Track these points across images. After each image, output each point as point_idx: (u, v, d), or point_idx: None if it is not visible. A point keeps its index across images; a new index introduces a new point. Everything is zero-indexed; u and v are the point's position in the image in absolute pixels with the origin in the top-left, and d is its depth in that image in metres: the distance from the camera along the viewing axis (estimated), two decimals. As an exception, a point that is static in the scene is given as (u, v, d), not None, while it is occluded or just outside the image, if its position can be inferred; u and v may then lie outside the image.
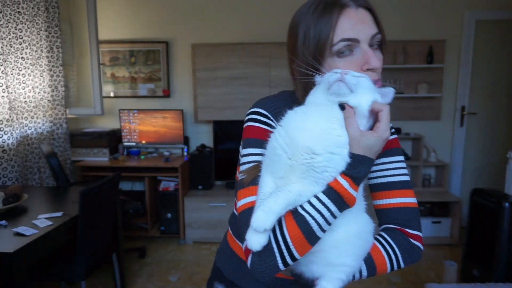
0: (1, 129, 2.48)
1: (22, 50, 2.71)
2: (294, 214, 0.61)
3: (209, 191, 3.45)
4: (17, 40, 2.67)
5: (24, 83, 2.74)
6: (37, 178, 2.84)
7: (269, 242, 0.61)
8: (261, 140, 0.71)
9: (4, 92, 2.47)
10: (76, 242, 1.94)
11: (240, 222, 0.68)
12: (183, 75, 3.69)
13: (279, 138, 0.63)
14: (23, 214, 1.90)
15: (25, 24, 2.71)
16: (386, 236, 0.73)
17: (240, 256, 0.87)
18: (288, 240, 0.61)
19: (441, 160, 3.59)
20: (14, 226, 1.71)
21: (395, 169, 0.77)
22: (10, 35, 2.62)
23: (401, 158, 0.79)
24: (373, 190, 0.78)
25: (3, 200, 1.90)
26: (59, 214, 1.88)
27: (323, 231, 0.62)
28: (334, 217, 0.61)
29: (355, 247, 0.67)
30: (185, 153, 3.64)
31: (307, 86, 0.69)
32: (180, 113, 3.50)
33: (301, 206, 0.61)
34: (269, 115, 0.74)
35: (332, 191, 0.60)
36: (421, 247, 0.74)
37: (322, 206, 0.60)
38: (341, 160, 0.60)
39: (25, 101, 2.75)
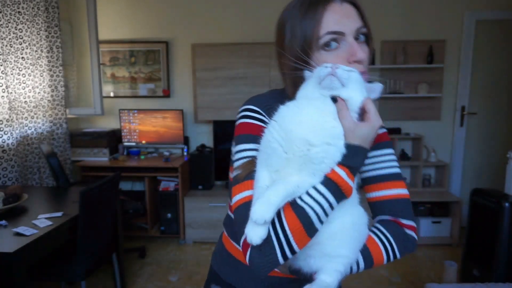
0: (1, 129, 2.48)
1: (22, 50, 2.71)
2: (293, 206, 0.61)
3: (209, 191, 3.45)
4: (17, 40, 2.67)
5: (24, 83, 2.74)
6: (37, 178, 2.84)
7: (268, 235, 0.61)
8: (255, 135, 0.71)
9: (4, 92, 2.47)
10: (76, 242, 1.94)
11: (237, 217, 0.68)
12: (183, 75, 3.69)
13: (274, 132, 0.64)
14: (23, 214, 1.90)
15: (25, 24, 2.71)
16: (381, 227, 0.74)
17: (236, 257, 0.86)
18: (288, 232, 0.61)
19: (441, 160, 3.59)
20: (14, 226, 1.71)
21: (386, 161, 0.78)
22: (10, 35, 2.62)
23: (391, 151, 0.80)
24: (366, 183, 0.79)
25: (3, 200, 1.90)
26: (59, 214, 1.88)
27: (321, 222, 0.62)
28: (332, 208, 0.62)
29: (351, 238, 0.68)
30: (185, 153, 3.64)
31: (297, 81, 0.70)
32: (180, 113, 3.50)
33: (300, 198, 0.61)
34: (262, 112, 0.74)
35: (330, 182, 0.61)
36: (415, 237, 0.75)
37: (321, 197, 0.61)
38: (337, 151, 0.61)
39: (25, 101, 2.76)
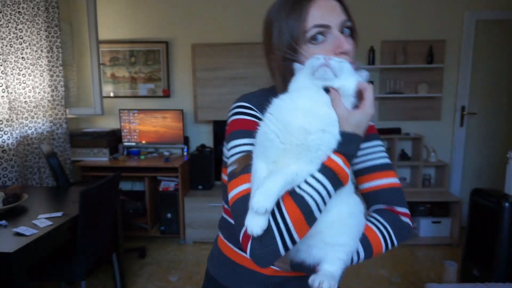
0: (1, 129, 2.48)
1: (22, 50, 2.71)
2: (292, 194, 0.62)
3: (209, 191, 3.45)
4: (17, 40, 2.67)
5: (24, 83, 2.74)
6: (37, 178, 2.84)
7: (269, 225, 0.61)
8: (249, 130, 0.71)
9: (4, 92, 2.47)
10: (76, 242, 1.94)
11: (235, 211, 0.67)
12: (183, 75, 3.69)
13: (270, 124, 0.65)
14: (23, 214, 1.90)
15: (25, 24, 2.71)
16: (377, 216, 0.75)
17: (234, 260, 0.86)
18: (288, 221, 0.61)
19: (441, 160, 3.59)
20: (14, 226, 1.71)
21: (376, 152, 0.81)
22: (10, 35, 2.62)
23: (380, 142, 0.83)
24: (358, 175, 0.80)
25: (3, 200, 1.90)
26: (59, 214, 1.88)
27: (320, 211, 0.63)
28: (330, 196, 0.63)
29: (350, 226, 0.69)
30: (185, 153, 3.64)
31: (286, 76, 0.72)
32: (180, 113, 3.50)
33: (298, 187, 0.62)
34: (254, 108, 0.75)
35: (327, 169, 0.62)
36: (411, 223, 0.77)
37: (319, 185, 0.62)
38: (333, 138, 0.63)
39: (25, 101, 2.76)
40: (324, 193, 0.62)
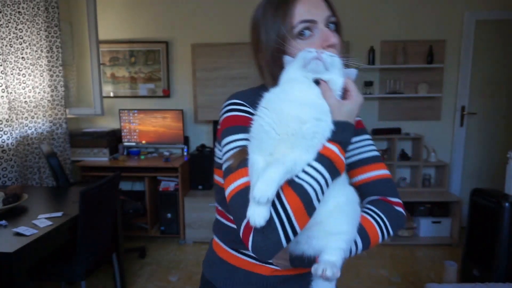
0: (1, 129, 2.48)
1: (22, 50, 2.71)
2: (291, 184, 0.62)
3: (209, 191, 3.45)
4: (17, 40, 2.67)
5: (24, 83, 2.74)
6: (37, 178, 2.84)
7: (270, 216, 0.61)
8: (243, 126, 0.72)
9: (3, 92, 2.47)
10: (76, 242, 1.94)
11: (234, 205, 0.67)
12: (183, 75, 3.69)
13: (265, 117, 0.66)
14: (23, 214, 1.90)
15: (25, 24, 2.71)
16: (371, 207, 0.77)
17: (230, 262, 0.85)
18: (289, 211, 0.62)
19: (441, 160, 3.59)
20: (14, 226, 1.71)
21: (365, 146, 0.83)
22: (10, 35, 2.62)
23: (368, 136, 0.85)
24: (350, 169, 0.81)
25: (3, 200, 1.90)
26: (59, 214, 1.88)
27: (319, 201, 0.64)
28: (327, 185, 0.64)
29: (348, 215, 0.70)
30: (185, 153, 3.64)
31: (275, 73, 0.74)
32: (180, 113, 3.50)
33: (297, 176, 0.63)
34: (246, 104, 0.76)
35: (324, 158, 0.64)
36: (404, 212, 0.79)
37: (317, 173, 0.63)
38: (327, 126, 0.65)
39: (25, 101, 2.76)
40: (322, 181, 0.63)
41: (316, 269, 0.65)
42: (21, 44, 2.70)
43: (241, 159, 0.68)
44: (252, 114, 0.72)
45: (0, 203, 1.88)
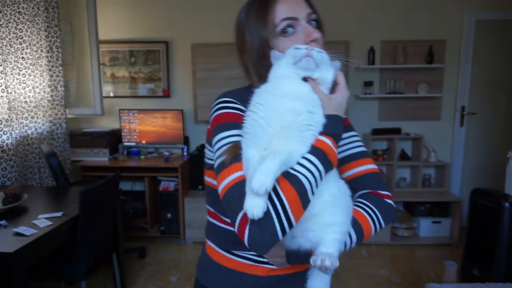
0: (1, 129, 2.48)
1: (22, 50, 2.71)
2: (287, 176, 0.63)
3: (209, 191, 3.44)
4: (17, 40, 2.67)
5: (24, 83, 2.74)
6: (37, 178, 2.84)
7: (266, 209, 0.61)
8: (235, 122, 0.72)
9: (3, 92, 2.47)
10: (76, 242, 1.94)
11: (229, 199, 0.66)
12: (183, 75, 3.69)
13: (258, 112, 0.67)
14: (23, 214, 1.90)
15: (25, 24, 2.71)
16: (363, 200, 0.78)
17: (225, 265, 0.84)
18: (285, 202, 0.62)
19: (441, 160, 3.59)
20: (14, 226, 1.71)
21: (353, 142, 0.85)
22: (10, 35, 2.62)
23: (355, 133, 0.87)
24: (340, 165, 0.82)
25: (3, 200, 1.90)
26: (59, 214, 1.88)
27: (313, 193, 0.65)
28: (321, 177, 0.66)
29: (342, 207, 0.71)
30: (185, 153, 3.64)
31: (261, 73, 0.76)
32: (180, 113, 3.50)
33: (292, 168, 0.64)
34: (237, 102, 0.77)
35: (317, 150, 0.65)
36: (394, 205, 0.81)
37: (312, 165, 0.64)
38: (319, 119, 0.67)
39: (25, 101, 2.76)
40: (316, 173, 0.64)
41: (315, 260, 0.65)
42: (21, 44, 2.70)
43: (234, 154, 0.68)
44: (243, 111, 0.73)
45: (0, 203, 1.88)
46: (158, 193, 3.38)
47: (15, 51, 2.67)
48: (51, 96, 2.97)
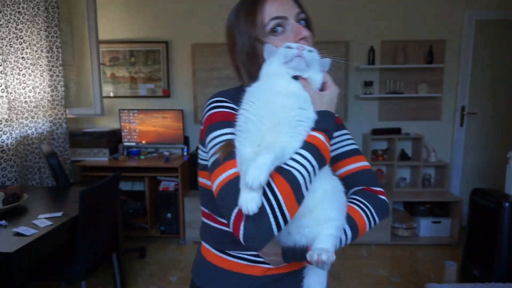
0: (0, 129, 2.48)
1: (22, 50, 2.71)
2: (281, 171, 0.63)
3: (209, 191, 3.44)
4: (17, 40, 2.67)
5: (25, 83, 2.74)
6: (37, 178, 2.84)
7: (261, 204, 0.61)
8: (228, 121, 0.72)
9: (3, 92, 2.47)
10: (76, 242, 1.94)
11: (223, 196, 0.65)
12: (183, 75, 3.69)
13: (251, 109, 0.67)
14: (23, 214, 1.90)
15: (25, 24, 2.71)
16: (357, 197, 0.79)
17: (221, 266, 0.84)
18: (279, 197, 0.62)
19: (441, 160, 3.59)
20: (14, 226, 1.71)
21: (345, 140, 0.86)
22: (10, 35, 2.63)
23: (347, 131, 0.88)
24: (333, 163, 0.83)
25: (3, 200, 1.90)
26: (59, 214, 1.88)
27: (307, 188, 0.65)
28: (315, 173, 0.66)
29: (336, 202, 0.72)
30: (185, 153, 3.64)
31: (252, 73, 0.78)
32: (180, 113, 3.50)
33: (286, 164, 0.64)
34: (229, 101, 0.77)
35: (310, 146, 0.66)
36: (387, 201, 0.81)
37: (305, 160, 0.65)
38: (311, 115, 0.68)
39: (25, 101, 2.76)
40: (310, 168, 0.65)
41: (311, 255, 0.65)
42: (21, 44, 2.70)
43: (228, 152, 0.68)
44: (235, 110, 0.73)
45: (0, 203, 1.88)
46: (158, 193, 3.38)
47: (15, 51, 2.67)
48: (51, 96, 2.97)
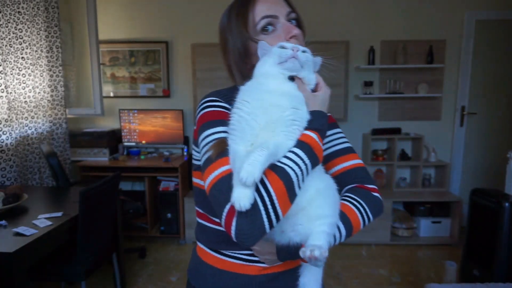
0: (0, 129, 2.48)
1: (22, 50, 2.71)
2: (274, 168, 0.64)
3: (209, 191, 3.44)
4: (17, 40, 2.67)
5: (24, 83, 2.74)
6: (37, 178, 2.84)
7: (254, 201, 0.61)
8: (221, 120, 0.72)
9: (3, 92, 2.47)
10: (76, 242, 1.94)
11: (216, 192, 0.65)
12: (183, 75, 3.69)
13: (245, 108, 0.68)
14: (23, 214, 1.90)
15: (25, 24, 2.71)
16: (351, 194, 0.79)
17: (216, 266, 0.84)
18: (272, 193, 0.62)
19: (441, 160, 3.59)
20: (14, 226, 1.71)
21: (339, 138, 0.87)
22: (10, 35, 2.63)
23: (340, 130, 0.89)
24: (326, 161, 0.83)
25: (3, 200, 1.90)
26: (59, 214, 1.88)
27: (299, 187, 0.65)
28: (307, 172, 0.66)
29: (329, 200, 0.72)
30: (185, 153, 3.64)
31: (244, 72, 0.79)
32: (180, 113, 3.50)
33: (279, 161, 0.65)
34: (222, 100, 0.78)
35: (304, 144, 0.66)
36: (381, 198, 0.82)
37: (298, 158, 0.65)
38: (304, 114, 0.69)
39: (25, 101, 2.76)
40: (303, 167, 0.65)
41: (304, 251, 0.65)
42: (21, 44, 2.70)
43: (221, 149, 0.68)
44: (228, 109, 0.74)
45: (0, 203, 1.88)
46: (158, 193, 3.38)
47: (15, 51, 2.67)
48: (51, 96, 2.97)
